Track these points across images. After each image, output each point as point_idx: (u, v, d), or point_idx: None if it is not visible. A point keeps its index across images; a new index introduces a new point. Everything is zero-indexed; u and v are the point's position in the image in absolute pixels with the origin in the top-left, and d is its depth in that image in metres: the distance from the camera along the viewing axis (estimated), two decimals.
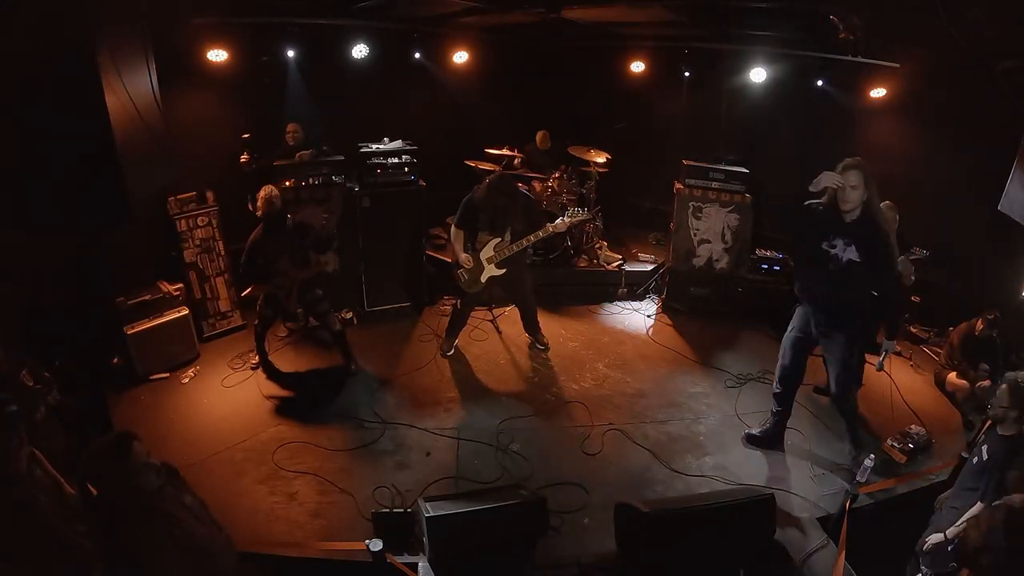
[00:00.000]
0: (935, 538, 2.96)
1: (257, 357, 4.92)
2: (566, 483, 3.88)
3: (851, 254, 3.48)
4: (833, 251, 3.53)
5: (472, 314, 5.38)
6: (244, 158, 5.48)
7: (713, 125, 7.04)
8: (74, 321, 4.10)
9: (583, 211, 5.07)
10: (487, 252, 4.84)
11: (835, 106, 6.08)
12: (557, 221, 4.79)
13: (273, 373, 4.90)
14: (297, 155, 5.53)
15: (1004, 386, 2.95)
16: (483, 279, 4.90)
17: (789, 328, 4.04)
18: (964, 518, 2.87)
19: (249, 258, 4.46)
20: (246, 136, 5.49)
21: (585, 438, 4.31)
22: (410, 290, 5.93)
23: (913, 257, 4.44)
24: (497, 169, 6.23)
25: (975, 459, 3.03)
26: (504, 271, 4.88)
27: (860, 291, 3.59)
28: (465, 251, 4.86)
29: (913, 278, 4.55)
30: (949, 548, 2.76)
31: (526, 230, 4.78)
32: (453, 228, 4.89)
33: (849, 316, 3.70)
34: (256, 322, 4.79)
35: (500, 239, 4.81)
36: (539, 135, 7.07)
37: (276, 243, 4.43)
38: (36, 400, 2.96)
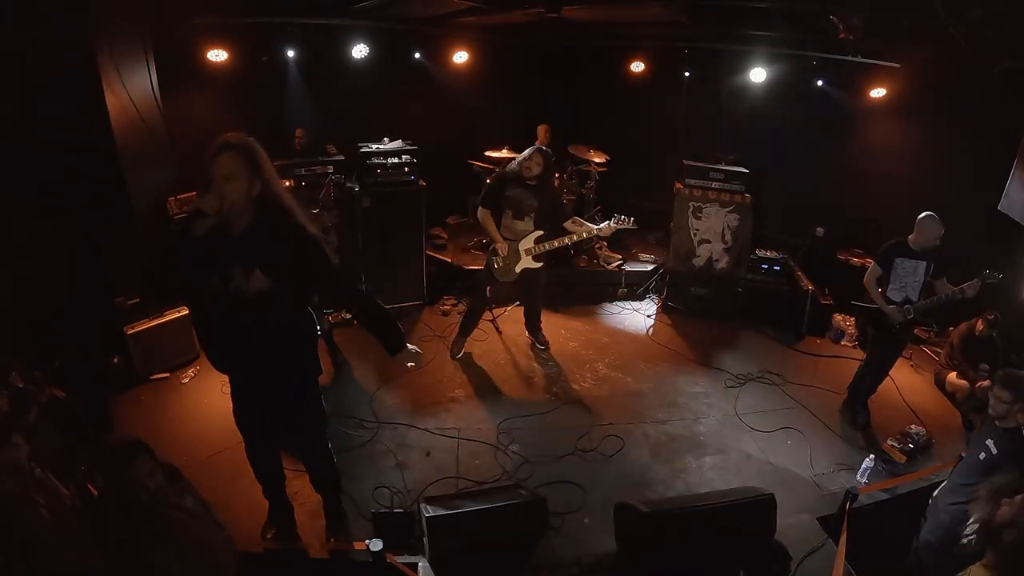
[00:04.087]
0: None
1: None
2: (566, 483, 3.88)
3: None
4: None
5: None
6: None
7: (713, 125, 7.04)
8: (74, 321, 4.10)
9: (629, 220, 4.76)
10: (527, 243, 4.76)
11: (835, 106, 6.08)
12: (603, 224, 4.73)
13: None
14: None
15: (998, 384, 2.97)
16: (518, 269, 4.84)
17: None
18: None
19: None
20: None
21: (585, 438, 4.31)
22: (410, 290, 5.93)
23: (990, 281, 3.99)
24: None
25: (981, 455, 3.01)
26: (540, 265, 4.86)
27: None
28: (503, 238, 4.75)
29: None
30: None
31: (549, 220, 4.73)
32: (481, 210, 4.77)
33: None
34: None
35: (540, 231, 4.75)
36: (541, 129, 7.04)
37: None
38: (27, 401, 2.96)
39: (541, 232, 4.75)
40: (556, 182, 6.49)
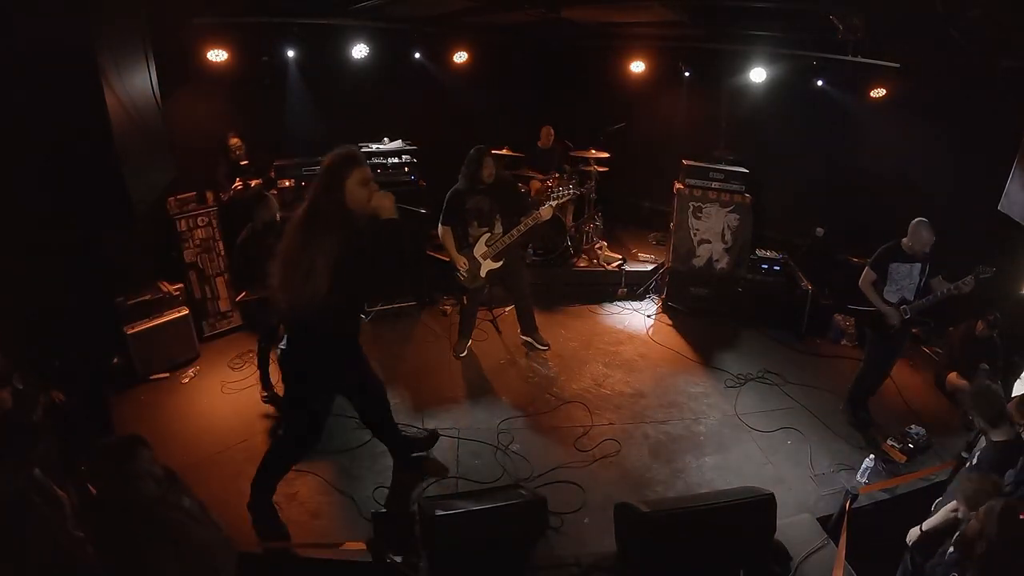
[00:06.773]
0: (913, 533, 3.05)
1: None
2: (566, 483, 3.88)
3: None
4: None
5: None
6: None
7: (713, 125, 7.04)
8: (74, 321, 4.10)
9: (568, 191, 5.01)
10: (480, 248, 4.82)
11: (835, 106, 6.08)
12: (542, 208, 4.71)
13: (275, 400, 4.58)
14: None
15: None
16: (482, 273, 4.88)
17: None
18: (940, 512, 2.95)
19: (237, 260, 4.44)
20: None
21: (585, 437, 4.31)
22: (410, 290, 5.92)
23: (983, 276, 3.92)
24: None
25: (967, 464, 3.07)
26: (502, 263, 4.87)
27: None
28: (459, 251, 4.81)
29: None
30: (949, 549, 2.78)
31: (515, 213, 4.75)
32: (441, 228, 4.80)
33: None
34: (259, 338, 4.56)
35: (490, 232, 4.80)
36: (544, 130, 7.04)
37: (263, 244, 4.39)
38: (28, 402, 2.97)
39: (489, 234, 4.79)
40: (552, 181, 6.50)
